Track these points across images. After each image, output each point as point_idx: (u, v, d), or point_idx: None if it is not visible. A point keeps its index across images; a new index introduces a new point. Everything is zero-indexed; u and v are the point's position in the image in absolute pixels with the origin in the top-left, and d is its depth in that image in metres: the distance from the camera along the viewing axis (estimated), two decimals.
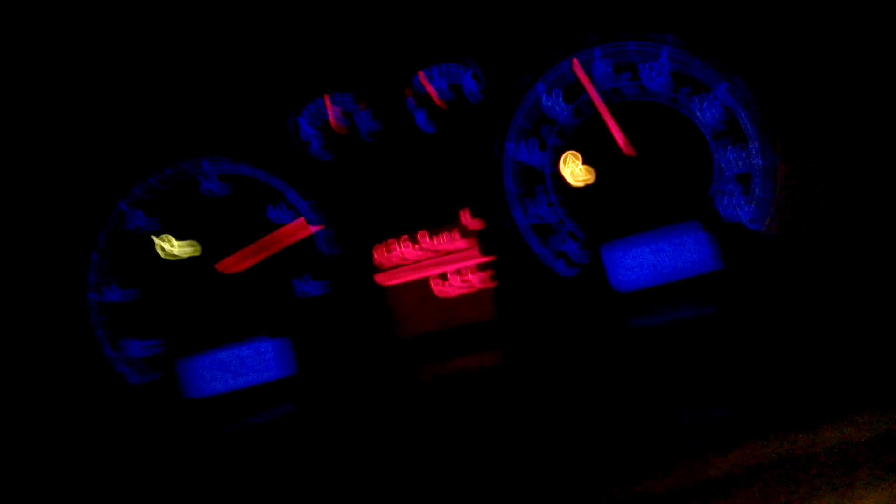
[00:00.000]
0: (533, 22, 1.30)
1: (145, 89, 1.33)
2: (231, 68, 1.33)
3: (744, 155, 1.25)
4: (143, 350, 1.30)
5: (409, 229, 1.29)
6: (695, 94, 1.27)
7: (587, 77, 1.28)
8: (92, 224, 1.33)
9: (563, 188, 1.28)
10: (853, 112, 1.17)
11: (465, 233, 1.28)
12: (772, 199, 1.23)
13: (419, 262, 1.28)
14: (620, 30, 1.29)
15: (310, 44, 1.33)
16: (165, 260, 1.33)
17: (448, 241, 1.28)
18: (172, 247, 1.32)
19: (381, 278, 1.29)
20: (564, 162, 1.29)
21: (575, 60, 1.28)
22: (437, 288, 1.28)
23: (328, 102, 1.35)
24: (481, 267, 1.27)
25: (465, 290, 1.27)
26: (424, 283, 1.28)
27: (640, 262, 1.24)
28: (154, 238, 1.33)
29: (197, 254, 1.30)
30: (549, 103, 1.30)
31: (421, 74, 1.34)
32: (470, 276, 1.27)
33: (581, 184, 1.26)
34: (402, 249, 1.29)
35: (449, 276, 1.28)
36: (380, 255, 1.29)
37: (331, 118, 1.35)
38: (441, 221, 1.28)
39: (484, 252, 1.27)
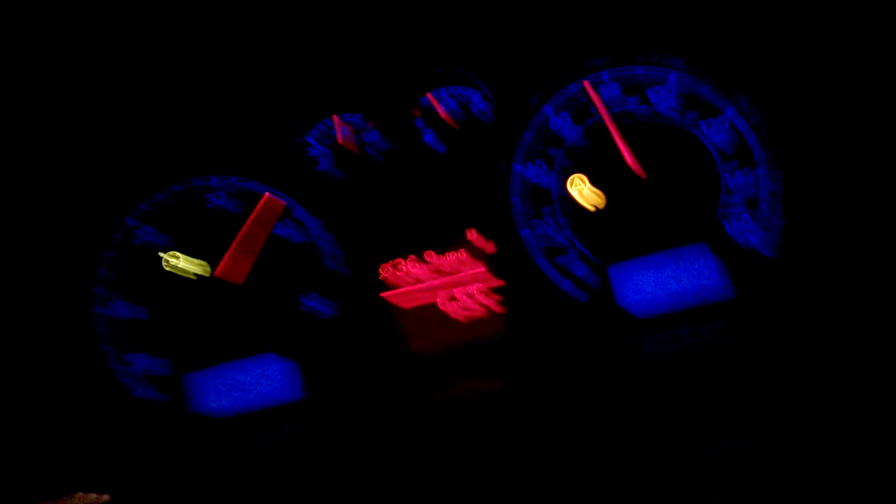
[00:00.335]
0: (541, 44, 1.31)
1: (155, 106, 1.35)
2: (240, 86, 1.35)
3: (752, 178, 1.25)
4: (148, 364, 1.30)
5: (416, 248, 1.29)
6: (702, 117, 1.27)
7: (598, 98, 1.29)
8: (99, 239, 1.33)
9: (572, 209, 1.28)
10: (865, 135, 1.17)
11: (474, 252, 1.28)
12: (780, 222, 1.23)
13: (427, 281, 1.28)
14: (629, 53, 1.30)
15: (319, 63, 1.35)
16: (172, 275, 1.32)
17: (456, 260, 1.28)
18: (178, 261, 1.32)
19: (388, 297, 1.28)
20: (571, 184, 1.29)
21: (586, 82, 1.29)
22: (445, 307, 1.27)
23: (337, 121, 1.36)
24: (488, 286, 1.27)
25: (472, 310, 1.27)
26: (432, 302, 1.28)
27: (648, 285, 1.24)
28: (161, 254, 1.33)
29: (206, 274, 1.30)
30: (558, 125, 1.31)
31: (429, 95, 1.35)
32: (477, 295, 1.27)
33: (591, 207, 1.26)
34: (410, 268, 1.29)
35: (456, 295, 1.27)
36: (387, 273, 1.29)
37: (339, 137, 1.36)
38: (449, 240, 1.28)
39: (492, 271, 1.27)
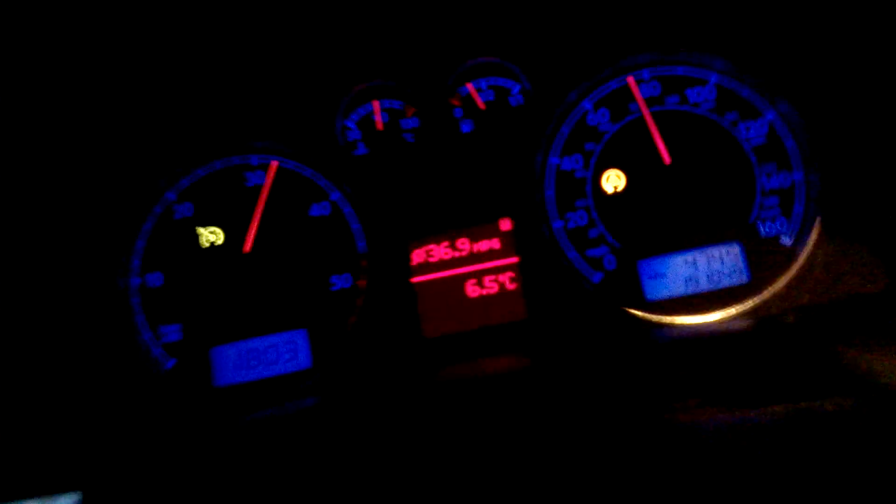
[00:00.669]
0: (582, 39, 1.32)
1: (201, 84, 1.37)
2: (283, 67, 1.36)
3: (789, 182, 1.26)
4: (179, 336, 1.32)
5: (450, 234, 1.30)
6: (742, 119, 1.28)
7: (640, 95, 1.30)
8: (139, 212, 1.35)
9: (603, 201, 1.29)
10: None
11: (506, 241, 1.29)
12: (815, 226, 1.23)
13: (458, 268, 1.29)
14: (671, 52, 1.31)
15: (362, 48, 1.36)
16: (208, 250, 1.35)
17: (488, 248, 1.29)
18: (216, 237, 1.35)
19: (418, 281, 1.30)
20: (607, 180, 1.30)
21: (630, 79, 1.31)
22: (473, 294, 1.28)
23: (377, 107, 1.38)
24: (515, 270, 1.28)
25: (496, 291, 1.28)
26: (458, 283, 1.29)
27: (674, 274, 1.25)
28: (199, 229, 1.35)
29: (219, 241, 1.32)
30: (595, 121, 1.32)
31: (469, 85, 1.37)
32: (503, 278, 1.28)
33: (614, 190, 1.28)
34: (442, 254, 1.30)
35: (483, 277, 1.28)
36: (419, 258, 1.30)
37: (378, 121, 1.37)
38: (482, 229, 1.30)
39: (523, 261, 1.28)
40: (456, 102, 1.36)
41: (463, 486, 0.86)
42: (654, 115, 1.31)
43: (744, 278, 1.24)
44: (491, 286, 1.29)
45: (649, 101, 1.32)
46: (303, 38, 1.35)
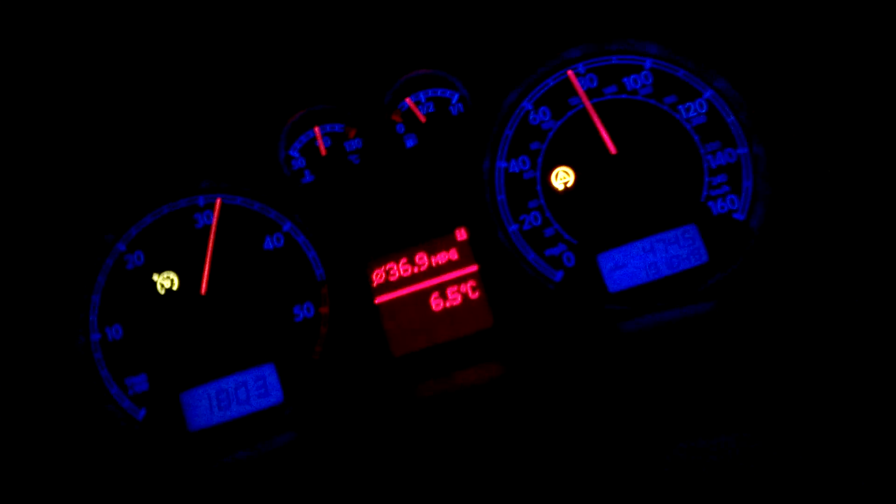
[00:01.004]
0: (514, 40, 1.32)
1: (141, 131, 1.35)
2: (219, 104, 1.35)
3: (735, 157, 1.26)
4: (148, 385, 1.30)
5: (407, 251, 1.29)
6: (681, 101, 1.28)
7: (581, 88, 1.30)
8: (90, 266, 1.33)
9: (555, 199, 1.29)
10: (842, 108, 1.18)
11: (460, 246, 1.28)
12: (764, 198, 1.23)
13: (419, 283, 1.28)
14: (603, 42, 1.31)
15: (296, 75, 1.35)
16: (164, 296, 1.33)
17: (446, 260, 1.28)
18: (171, 283, 1.33)
19: (382, 301, 1.28)
20: (556, 177, 1.30)
21: (570, 72, 1.31)
22: (437, 307, 1.27)
23: (318, 133, 1.37)
24: (476, 278, 1.27)
25: (460, 302, 1.27)
26: (421, 298, 1.28)
27: (634, 264, 1.25)
28: (154, 276, 1.33)
29: (175, 286, 1.31)
30: (538, 120, 1.32)
31: (408, 100, 1.36)
32: (465, 288, 1.27)
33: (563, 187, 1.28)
34: (402, 271, 1.29)
35: (446, 289, 1.28)
36: (379, 278, 1.29)
37: (321, 147, 1.36)
38: (439, 241, 1.29)
39: (483, 268, 1.27)
40: (397, 118, 1.36)
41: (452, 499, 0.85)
42: (595, 107, 1.31)
43: (703, 258, 1.24)
44: (454, 297, 1.28)
45: (588, 94, 1.32)
46: (235, 72, 1.33)
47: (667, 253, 1.25)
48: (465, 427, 0.97)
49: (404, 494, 0.90)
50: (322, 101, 1.35)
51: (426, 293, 1.28)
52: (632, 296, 1.25)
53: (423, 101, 1.36)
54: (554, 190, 1.30)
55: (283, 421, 1.27)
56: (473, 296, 1.27)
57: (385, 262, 1.30)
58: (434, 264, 1.29)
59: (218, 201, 1.35)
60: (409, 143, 1.34)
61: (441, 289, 1.28)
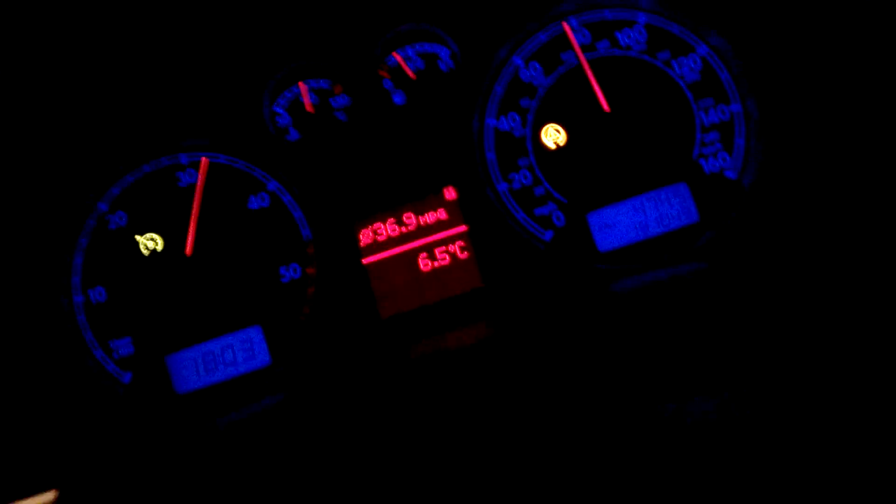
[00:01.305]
0: None
1: (117, 86, 1.31)
2: (202, 60, 1.31)
3: (728, 115, 1.24)
4: (132, 349, 1.28)
5: (395, 210, 1.27)
6: (674, 57, 1.26)
7: (576, 42, 1.27)
8: (72, 227, 1.30)
9: (545, 158, 1.27)
10: (835, 65, 1.16)
11: (452, 210, 1.26)
12: (757, 156, 1.22)
13: (407, 243, 1.27)
14: None
15: (282, 29, 1.31)
16: (148, 258, 1.30)
17: (435, 219, 1.26)
18: (154, 243, 1.30)
19: (370, 262, 1.27)
20: (547, 135, 1.28)
21: (565, 24, 1.27)
22: (423, 263, 1.26)
23: (303, 88, 1.33)
24: (465, 238, 1.26)
25: (449, 262, 1.26)
26: (410, 258, 1.26)
27: (624, 223, 1.24)
28: (137, 237, 1.31)
29: (159, 247, 1.28)
30: (528, 76, 1.29)
31: (396, 55, 1.33)
32: (454, 248, 1.26)
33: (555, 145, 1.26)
34: (390, 231, 1.27)
35: (434, 249, 1.26)
36: (367, 238, 1.27)
37: (307, 104, 1.33)
38: (427, 200, 1.27)
39: (472, 228, 1.25)
40: (385, 74, 1.32)
41: (445, 464, 0.85)
42: (589, 63, 1.28)
43: (693, 217, 1.23)
44: (443, 258, 1.27)
45: (582, 49, 1.29)
46: (218, 26, 1.29)
47: (657, 212, 1.23)
48: (454, 388, 0.96)
49: (393, 455, 0.90)
50: (308, 55, 1.31)
51: (414, 253, 1.26)
52: (622, 255, 1.24)
53: (412, 56, 1.33)
54: (544, 148, 1.28)
55: (272, 382, 1.26)
56: (462, 256, 1.26)
57: (372, 222, 1.28)
58: (423, 224, 1.27)
59: (204, 160, 1.32)
60: (398, 99, 1.31)
61: (430, 249, 1.27)
